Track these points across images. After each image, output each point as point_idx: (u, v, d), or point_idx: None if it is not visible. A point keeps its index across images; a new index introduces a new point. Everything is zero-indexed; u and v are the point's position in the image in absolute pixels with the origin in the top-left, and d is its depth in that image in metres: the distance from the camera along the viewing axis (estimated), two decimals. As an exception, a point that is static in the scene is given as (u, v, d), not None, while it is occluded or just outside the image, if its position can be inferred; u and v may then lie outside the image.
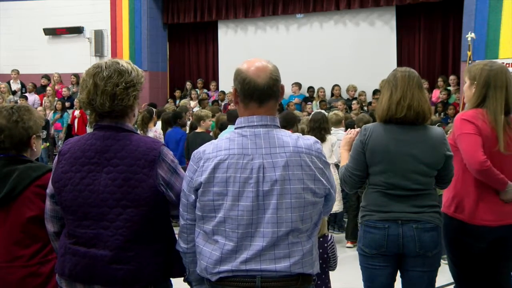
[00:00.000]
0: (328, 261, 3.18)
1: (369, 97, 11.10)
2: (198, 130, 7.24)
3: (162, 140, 7.42)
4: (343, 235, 6.52)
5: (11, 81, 12.99)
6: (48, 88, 12.50)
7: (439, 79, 10.50)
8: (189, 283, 2.24)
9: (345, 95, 11.42)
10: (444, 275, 3.35)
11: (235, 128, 2.08)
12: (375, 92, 10.72)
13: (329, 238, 3.20)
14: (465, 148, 2.90)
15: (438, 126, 4.48)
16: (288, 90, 11.26)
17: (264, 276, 1.96)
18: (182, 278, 2.25)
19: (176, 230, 2.22)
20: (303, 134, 2.16)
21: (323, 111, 7.45)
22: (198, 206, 2.03)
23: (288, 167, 1.97)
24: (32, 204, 2.34)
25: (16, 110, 2.46)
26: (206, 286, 2.07)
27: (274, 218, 1.96)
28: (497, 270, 3.07)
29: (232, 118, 5.92)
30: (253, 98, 2.05)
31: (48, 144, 10.95)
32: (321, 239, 3.14)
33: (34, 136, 2.49)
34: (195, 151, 2.11)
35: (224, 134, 2.23)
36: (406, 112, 2.79)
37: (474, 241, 2.98)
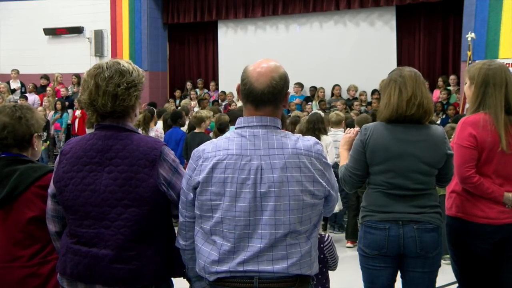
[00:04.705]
0: (326, 262, 3.15)
1: (368, 97, 11.11)
2: (197, 130, 7.24)
3: (163, 140, 7.42)
4: (343, 235, 6.52)
5: (11, 81, 12.99)
6: (48, 88, 12.50)
7: (440, 79, 10.50)
8: (188, 280, 2.25)
9: (345, 95, 11.43)
10: (444, 275, 3.34)
11: (235, 128, 2.09)
12: (374, 92, 10.72)
13: (326, 238, 3.15)
14: (455, 161, 2.92)
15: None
16: (289, 90, 11.24)
17: (262, 277, 1.96)
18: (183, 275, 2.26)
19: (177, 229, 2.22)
20: (303, 134, 2.16)
21: (319, 111, 7.45)
22: (197, 205, 2.04)
23: (287, 169, 1.97)
24: (33, 205, 2.34)
25: (19, 108, 2.48)
26: (205, 283, 2.08)
27: (272, 220, 1.95)
28: (501, 271, 3.06)
29: (233, 118, 5.89)
30: (249, 100, 2.05)
31: (48, 143, 10.96)
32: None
33: (36, 134, 2.49)
34: (195, 149, 2.11)
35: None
36: (416, 110, 2.80)
37: (477, 242, 2.97)
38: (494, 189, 2.92)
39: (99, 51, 13.42)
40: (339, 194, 6.21)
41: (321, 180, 2.03)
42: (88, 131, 9.28)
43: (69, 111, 11.71)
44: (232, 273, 1.97)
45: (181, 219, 2.12)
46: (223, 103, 12.07)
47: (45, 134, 2.63)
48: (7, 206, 2.34)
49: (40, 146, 2.57)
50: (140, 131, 7.03)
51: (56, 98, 12.07)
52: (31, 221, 2.33)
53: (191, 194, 2.04)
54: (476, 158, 2.92)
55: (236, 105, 11.05)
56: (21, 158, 2.44)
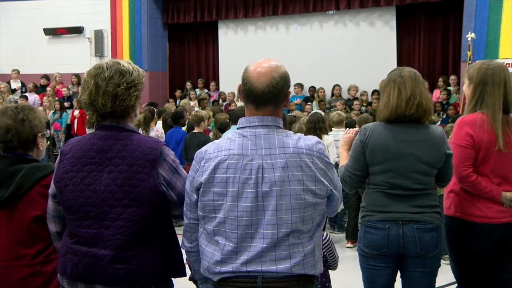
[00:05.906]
0: (325, 261, 3.15)
1: (368, 97, 11.11)
2: (196, 130, 7.24)
3: (164, 140, 7.42)
4: (343, 235, 6.52)
5: (11, 81, 12.99)
6: (48, 88, 12.51)
7: (440, 79, 10.51)
8: (195, 282, 2.25)
9: (345, 95, 11.43)
10: (444, 275, 3.35)
11: (237, 128, 2.09)
12: (374, 92, 10.72)
13: (324, 236, 3.16)
14: (453, 161, 2.93)
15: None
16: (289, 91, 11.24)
17: (265, 277, 1.96)
18: (184, 278, 2.26)
19: (177, 230, 2.22)
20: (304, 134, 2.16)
21: (320, 111, 7.45)
22: (199, 206, 2.04)
23: (288, 168, 1.97)
24: (37, 204, 2.34)
25: (21, 110, 2.47)
26: (210, 284, 2.08)
27: (274, 219, 1.96)
28: (500, 271, 3.06)
29: (235, 118, 5.90)
30: (249, 100, 2.06)
31: (48, 143, 10.97)
32: None
33: (40, 134, 2.50)
34: (198, 151, 2.12)
35: (227, 135, 2.24)
36: (415, 109, 2.80)
37: (476, 241, 2.97)
38: (491, 188, 2.92)
39: (99, 51, 13.42)
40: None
41: (323, 179, 2.03)
42: (88, 131, 9.28)
43: (69, 111, 11.71)
44: (235, 273, 1.97)
45: (185, 221, 2.13)
46: (224, 103, 12.07)
47: (48, 132, 2.62)
48: (11, 205, 2.35)
49: (44, 145, 2.57)
50: (140, 131, 7.03)
51: (56, 98, 12.08)
52: (35, 220, 2.34)
53: (195, 196, 2.05)
54: (473, 157, 2.93)
55: (236, 105, 11.04)
56: (26, 158, 2.45)
